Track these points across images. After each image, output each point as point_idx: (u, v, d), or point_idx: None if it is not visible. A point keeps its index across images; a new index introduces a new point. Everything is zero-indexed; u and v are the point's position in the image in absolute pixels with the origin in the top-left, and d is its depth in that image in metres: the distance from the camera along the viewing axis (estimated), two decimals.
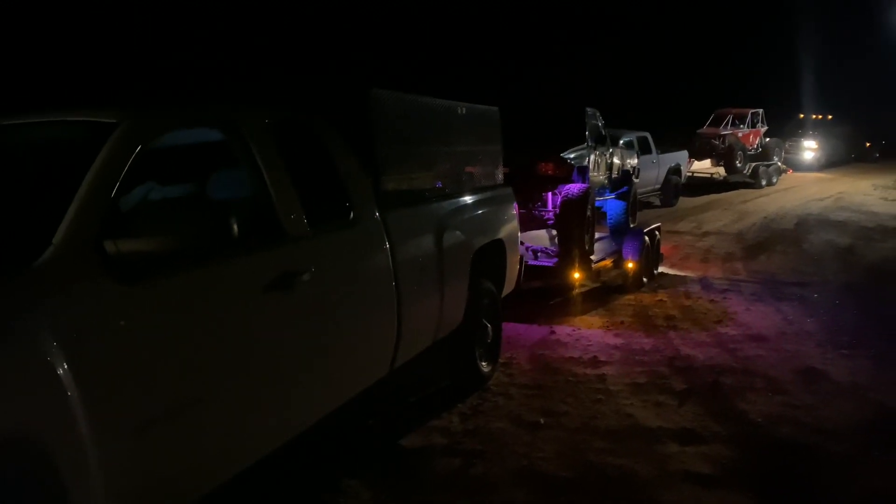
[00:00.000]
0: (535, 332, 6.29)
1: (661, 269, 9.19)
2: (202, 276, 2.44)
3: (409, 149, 4.14)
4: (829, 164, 28.36)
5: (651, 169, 15.66)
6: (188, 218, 2.35)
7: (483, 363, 4.83)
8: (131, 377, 2.11)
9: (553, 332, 6.26)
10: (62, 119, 2.65)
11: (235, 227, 2.54)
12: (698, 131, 21.09)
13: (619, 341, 6.04)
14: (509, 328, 5.99)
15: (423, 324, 4.02)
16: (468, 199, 4.79)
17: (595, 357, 5.54)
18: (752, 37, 42.93)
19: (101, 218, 2.16)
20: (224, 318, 2.52)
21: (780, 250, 11.09)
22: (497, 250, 5.07)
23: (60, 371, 1.86)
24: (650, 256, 8.63)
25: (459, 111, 4.91)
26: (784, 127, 27.78)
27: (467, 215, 4.68)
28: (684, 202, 17.46)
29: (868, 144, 33.01)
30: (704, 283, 8.56)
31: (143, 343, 2.17)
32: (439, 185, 4.55)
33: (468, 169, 5.09)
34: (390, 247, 3.56)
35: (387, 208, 3.65)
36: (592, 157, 8.49)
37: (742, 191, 20.19)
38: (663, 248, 9.77)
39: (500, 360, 5.27)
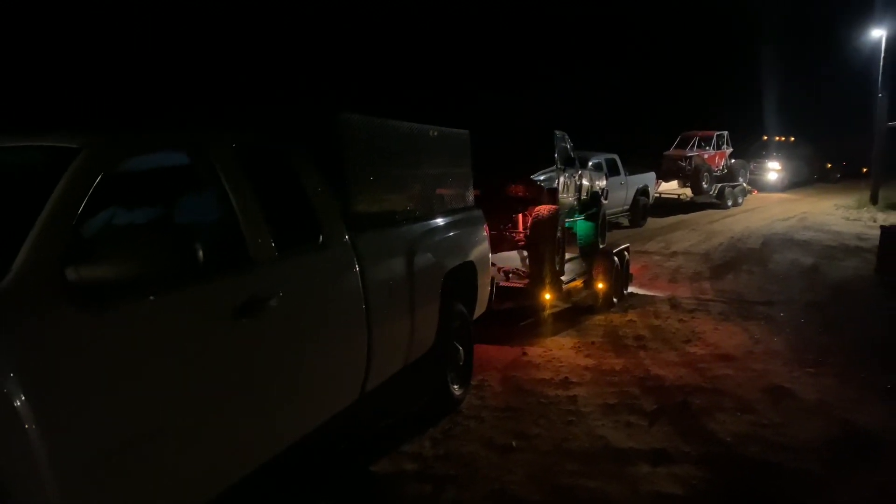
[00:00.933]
0: (506, 353, 6.29)
1: (630, 289, 9.27)
2: (166, 302, 2.40)
3: (378, 171, 4.13)
4: (793, 184, 29.02)
5: (620, 190, 15.86)
6: (153, 243, 2.31)
7: (455, 386, 4.81)
8: (93, 407, 2.06)
9: (525, 354, 6.26)
10: (25, 144, 2.61)
11: (201, 252, 2.50)
12: (665, 153, 21.46)
13: (590, 362, 6.06)
14: (481, 350, 5.98)
15: (394, 347, 3.99)
16: (439, 221, 4.79)
17: (566, 378, 5.56)
18: (717, 61, 43.93)
19: (62, 244, 2.12)
20: (189, 345, 2.48)
21: (746, 270, 11.27)
22: (468, 272, 5.07)
23: (17, 403, 1.81)
24: (620, 277, 8.71)
25: (429, 134, 4.93)
26: (749, 149, 28.40)
27: (438, 237, 4.68)
28: (652, 223, 17.70)
29: (829, 165, 33.92)
30: (673, 303, 8.65)
31: (105, 372, 2.12)
32: (410, 207, 4.55)
33: (438, 191, 5.10)
34: (360, 270, 3.55)
35: (356, 231, 3.63)
36: (562, 178, 8.56)
37: (709, 211, 20.54)
38: (632, 268, 9.87)
39: (472, 383, 5.25)
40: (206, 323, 2.58)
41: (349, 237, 3.55)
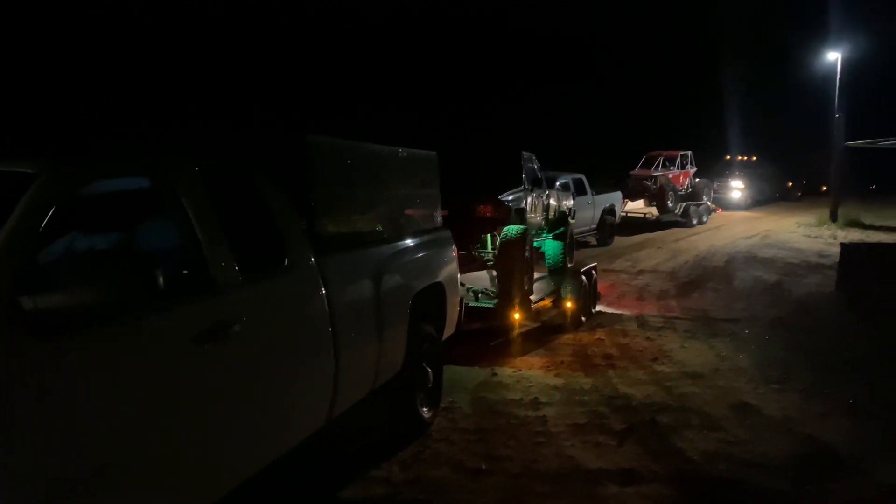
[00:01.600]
0: (476, 374, 6.27)
1: (598, 307, 9.34)
2: (126, 330, 2.35)
3: (345, 193, 4.12)
4: (756, 202, 29.64)
5: (587, 209, 16.02)
6: (113, 269, 2.27)
7: (424, 409, 4.78)
8: (49, 439, 2.00)
9: (495, 374, 6.25)
10: None
11: (163, 277, 2.46)
12: (631, 173, 21.77)
13: (559, 381, 6.07)
14: (451, 371, 5.95)
15: (362, 371, 3.95)
16: (407, 242, 4.78)
17: (536, 398, 5.55)
18: (680, 82, 44.88)
19: (15, 273, 2.06)
20: (149, 373, 2.42)
21: (711, 287, 11.43)
22: (437, 293, 5.06)
23: None
24: (588, 295, 8.77)
25: (397, 156, 4.94)
26: (712, 168, 28.97)
27: (406, 259, 4.67)
28: (619, 241, 17.89)
29: (790, 184, 34.73)
30: (640, 321, 8.72)
31: (62, 403, 2.06)
32: (377, 229, 4.53)
33: (407, 212, 5.10)
34: (326, 293, 3.51)
35: (323, 254, 3.60)
36: (529, 198, 8.64)
37: (674, 230, 20.85)
38: (600, 287, 9.95)
39: (442, 405, 5.22)
40: (168, 350, 2.52)
41: (315, 260, 3.51)
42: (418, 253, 4.89)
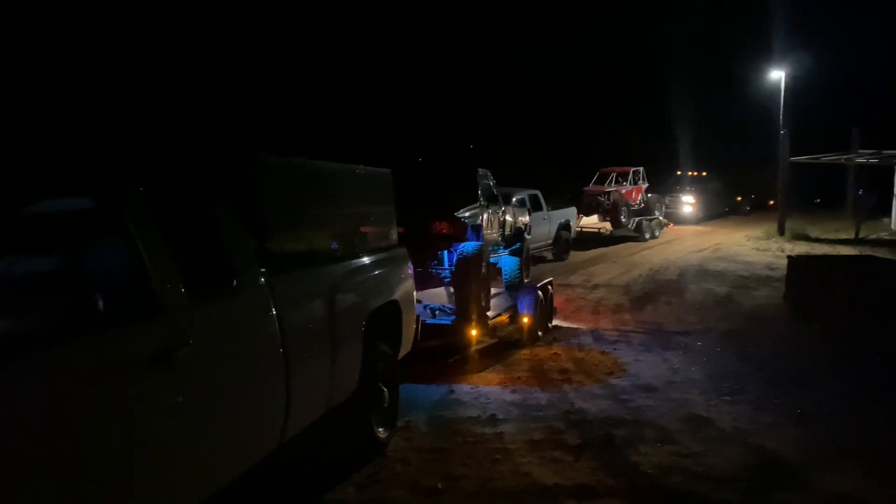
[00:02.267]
0: (433, 392, 6.23)
1: (554, 322, 9.40)
2: (66, 356, 2.26)
3: (297, 212, 4.07)
4: (706, 217, 30.35)
5: (543, 225, 16.17)
6: (53, 294, 2.19)
7: (380, 429, 4.72)
8: None
9: (452, 392, 6.22)
10: None
11: (106, 301, 2.38)
12: (585, 189, 22.10)
13: (516, 397, 6.07)
14: (408, 389, 5.90)
15: (315, 393, 3.89)
16: (361, 260, 4.74)
17: (493, 415, 5.54)
18: (631, 100, 45.90)
19: None
20: (92, 400, 2.33)
21: (664, 301, 11.63)
22: (392, 311, 5.02)
23: None
24: (544, 310, 8.83)
25: (350, 173, 4.91)
26: (663, 183, 29.60)
27: (360, 277, 4.63)
28: (575, 256, 18.10)
29: (739, 199, 35.70)
30: (596, 335, 8.81)
31: None
32: (331, 247, 4.49)
33: (361, 230, 5.06)
34: (277, 313, 3.45)
35: (274, 273, 3.54)
36: (485, 215, 8.69)
37: (628, 244, 21.20)
38: (557, 302, 10.03)
39: (399, 424, 5.16)
40: (110, 377, 2.43)
41: (265, 280, 3.45)
42: (373, 271, 4.86)
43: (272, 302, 3.45)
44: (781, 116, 22.93)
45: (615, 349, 8.00)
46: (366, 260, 4.79)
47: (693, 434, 5.13)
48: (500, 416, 5.51)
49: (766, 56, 24.75)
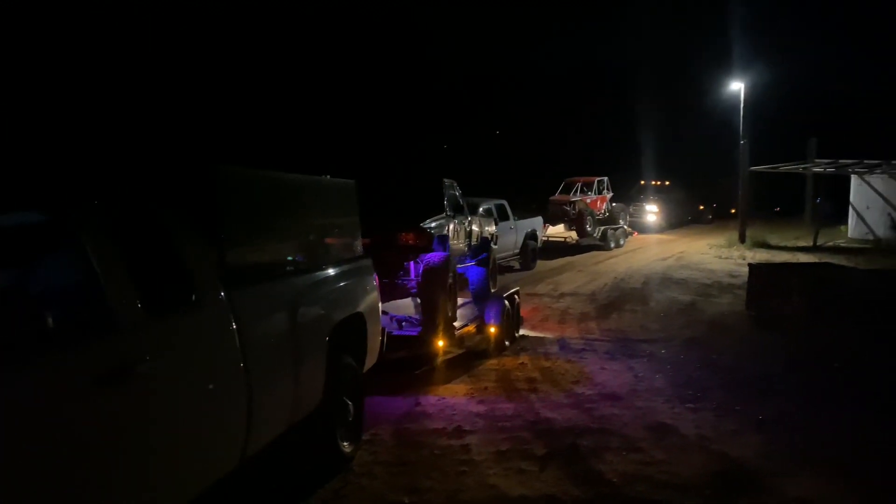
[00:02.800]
0: (399, 404, 6.18)
1: (521, 331, 9.44)
2: (15, 376, 2.19)
3: (259, 225, 4.02)
4: (669, 225, 30.79)
5: (510, 234, 16.23)
6: (2, 310, 2.11)
7: (344, 443, 4.66)
8: None
9: (418, 404, 6.18)
10: None
11: (58, 318, 2.31)
12: (551, 198, 22.27)
13: (482, 408, 6.06)
14: (374, 402, 5.86)
15: (278, 408, 3.83)
16: (325, 272, 4.70)
17: (459, 427, 5.51)
18: (595, 109, 46.41)
19: None
20: (44, 420, 2.26)
21: (629, 309, 11.74)
22: (357, 324, 4.98)
23: None
24: (511, 320, 8.85)
25: (313, 184, 4.87)
26: (627, 193, 29.95)
27: (324, 290, 4.59)
28: (542, 265, 18.19)
29: (702, 207, 36.24)
30: (562, 344, 8.85)
31: None
32: (296, 259, 4.44)
33: (325, 242, 5.03)
34: (238, 328, 3.39)
35: (234, 287, 3.48)
36: (452, 225, 8.70)
37: (594, 253, 21.38)
38: (523, 311, 10.06)
39: (364, 437, 5.11)
40: (62, 396, 2.36)
41: (225, 294, 3.39)
42: (337, 283, 4.82)
43: (232, 316, 3.39)
44: (741, 127, 23.42)
45: (581, 358, 8.05)
46: (329, 272, 4.75)
47: (657, 442, 5.17)
48: (467, 428, 5.49)
49: (726, 68, 25.34)
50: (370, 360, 5.31)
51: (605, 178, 23.60)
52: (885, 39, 57.75)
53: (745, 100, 23.34)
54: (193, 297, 3.20)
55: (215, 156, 3.93)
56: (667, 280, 15.18)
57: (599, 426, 5.53)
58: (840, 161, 22.82)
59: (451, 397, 6.40)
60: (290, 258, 4.34)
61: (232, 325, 3.37)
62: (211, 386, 3.20)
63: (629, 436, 5.30)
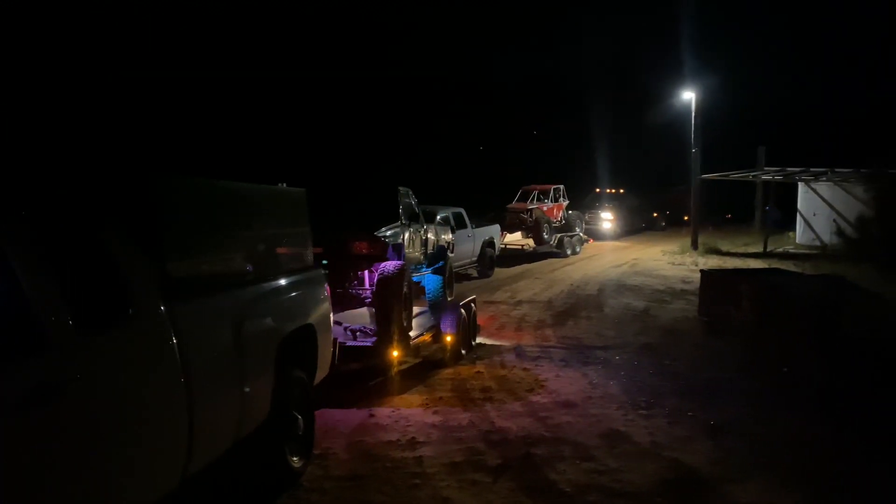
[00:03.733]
0: (353, 416, 6.07)
1: (478, 339, 9.41)
2: None
3: (202, 235, 3.89)
4: (624, 233, 31.23)
5: (467, 242, 16.22)
6: None
7: (294, 458, 4.54)
8: None
9: (372, 416, 6.08)
10: None
11: None
12: (508, 206, 22.37)
13: (437, 419, 5.99)
14: (326, 415, 5.76)
15: (222, 425, 3.70)
16: (273, 283, 4.58)
17: (413, 438, 5.44)
18: (550, 118, 46.96)
19: None
20: None
21: (585, 315, 11.82)
22: (307, 336, 4.87)
23: None
24: (467, 328, 8.82)
25: (261, 193, 4.75)
26: (583, 200, 30.29)
27: (272, 301, 4.47)
28: (499, 273, 18.24)
29: (655, 215, 36.87)
30: (518, 352, 8.85)
31: None
32: (240, 270, 4.31)
33: (273, 252, 4.90)
34: (178, 342, 3.26)
35: (176, 300, 3.35)
36: (407, 233, 8.61)
37: (550, 260, 21.54)
38: (481, 319, 10.04)
39: (315, 452, 5.00)
40: None
41: (165, 307, 3.26)
42: (286, 294, 4.70)
43: (173, 330, 3.26)
44: (693, 135, 23.90)
45: (537, 366, 8.05)
46: (278, 283, 4.63)
47: (610, 449, 5.17)
48: (420, 440, 5.42)
49: (679, 79, 25.80)
50: (321, 372, 5.20)
51: (562, 186, 23.83)
52: (829, 54, 59.90)
53: (696, 110, 23.83)
54: (130, 311, 3.07)
55: (159, 162, 3.79)
56: (621, 287, 15.35)
57: (553, 435, 5.52)
58: (787, 169, 23.47)
59: (406, 408, 6.32)
60: (236, 269, 4.21)
61: (172, 340, 3.24)
62: (149, 404, 3.06)
63: (583, 444, 5.30)
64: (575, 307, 12.73)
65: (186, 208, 3.76)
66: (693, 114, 23.91)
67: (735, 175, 25.37)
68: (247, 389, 3.88)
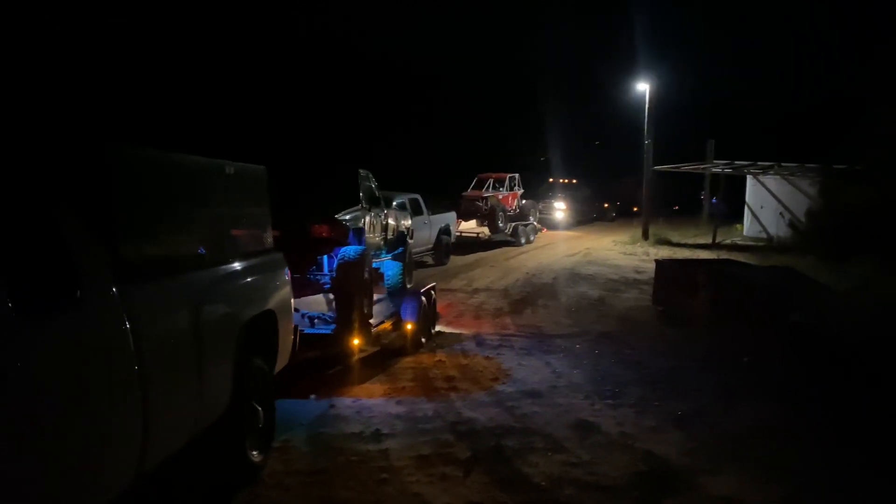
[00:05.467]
0: (313, 407, 5.82)
1: (438, 327, 9.22)
2: None
3: (158, 212, 3.58)
4: (576, 223, 31.46)
5: (423, 229, 16.01)
6: None
7: (254, 452, 4.28)
8: None
9: (333, 406, 5.84)
10: None
11: None
12: (463, 194, 22.20)
13: (401, 409, 5.78)
14: (284, 405, 5.47)
15: (180, 418, 3.41)
16: (232, 266, 4.28)
17: (378, 430, 5.22)
18: (503, 106, 46.97)
19: None
20: None
21: (542, 304, 11.77)
22: (268, 322, 4.60)
23: None
24: (427, 316, 8.62)
25: (221, 169, 4.43)
26: (536, 190, 30.37)
27: (231, 285, 4.18)
28: (455, 260, 18.09)
29: (606, 205, 37.26)
30: (479, 340, 8.71)
31: None
32: (197, 252, 4.00)
33: (232, 233, 4.60)
34: (132, 328, 2.96)
35: (129, 282, 3.05)
36: (368, 218, 8.34)
37: (505, 248, 21.50)
38: (439, 307, 9.85)
39: (275, 444, 4.74)
40: None
41: (118, 289, 2.96)
42: (246, 278, 4.41)
43: (125, 315, 2.96)
44: (646, 127, 24.15)
45: (499, 354, 7.92)
46: (238, 266, 4.34)
47: (581, 441, 5.06)
48: (385, 431, 5.21)
49: (630, 73, 25.97)
50: (281, 360, 4.93)
51: (517, 175, 23.79)
52: (776, 51, 61.57)
53: (650, 101, 24.06)
54: (79, 294, 2.76)
55: (114, 134, 3.44)
56: (576, 276, 15.38)
57: (522, 426, 5.38)
58: (736, 162, 23.93)
59: (368, 398, 6.09)
60: (194, 250, 3.91)
61: (125, 325, 2.94)
62: (99, 394, 2.77)
63: (553, 435, 5.17)
64: (532, 295, 12.66)
65: (142, 182, 3.43)
66: (647, 105, 24.14)
67: (686, 167, 25.77)
68: (205, 379, 3.60)
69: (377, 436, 5.11)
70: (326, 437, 5.08)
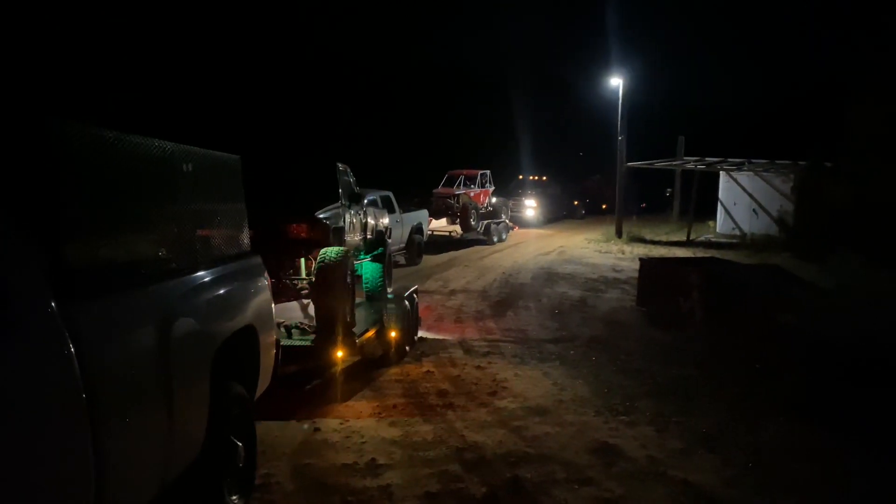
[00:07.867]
0: (294, 430, 5.11)
1: (420, 333, 8.57)
2: None
3: (114, 207, 2.84)
4: (547, 220, 31.03)
5: (396, 228, 15.30)
6: None
7: (234, 497, 3.56)
8: None
9: (317, 429, 5.13)
10: None
11: None
12: (435, 191, 21.49)
13: (396, 433, 5.10)
14: (262, 429, 4.75)
15: (143, 465, 2.69)
16: (204, 274, 3.55)
17: (373, 460, 4.54)
18: (473, 102, 46.38)
19: None
20: None
21: (523, 306, 11.20)
22: (248, 340, 3.88)
23: None
24: (411, 322, 7.96)
25: (188, 156, 3.67)
26: (507, 187, 29.83)
27: (206, 297, 3.45)
28: (428, 260, 17.43)
29: (576, 203, 36.93)
30: (465, 347, 8.10)
31: None
32: (161, 257, 3.26)
33: (203, 233, 3.84)
34: (78, 353, 2.24)
35: (74, 297, 2.33)
36: (348, 216, 7.60)
37: (477, 247, 20.90)
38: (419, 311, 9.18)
39: (256, 482, 4.02)
40: None
41: (58, 306, 2.23)
42: (221, 288, 3.68)
43: (69, 338, 2.24)
44: (619, 123, 23.78)
45: (490, 363, 7.32)
46: (211, 273, 3.61)
47: (607, 470, 4.46)
48: (382, 461, 4.52)
49: (604, 68, 25.68)
50: (263, 383, 4.21)
51: (488, 172, 23.19)
52: (746, 50, 62.27)
53: (623, 97, 23.72)
54: (7, 312, 2.03)
55: (52, 110, 2.67)
56: (553, 275, 14.87)
57: (537, 451, 4.75)
58: (707, 159, 23.77)
59: (356, 419, 5.40)
60: (157, 254, 3.18)
61: (69, 349, 2.22)
62: (31, 438, 2.04)
63: (573, 462, 4.56)
64: (511, 297, 12.09)
65: (94, 169, 2.68)
66: (620, 101, 23.79)
67: (660, 164, 25.54)
68: (175, 415, 2.88)
69: (373, 467, 4.42)
70: (314, 470, 4.37)
